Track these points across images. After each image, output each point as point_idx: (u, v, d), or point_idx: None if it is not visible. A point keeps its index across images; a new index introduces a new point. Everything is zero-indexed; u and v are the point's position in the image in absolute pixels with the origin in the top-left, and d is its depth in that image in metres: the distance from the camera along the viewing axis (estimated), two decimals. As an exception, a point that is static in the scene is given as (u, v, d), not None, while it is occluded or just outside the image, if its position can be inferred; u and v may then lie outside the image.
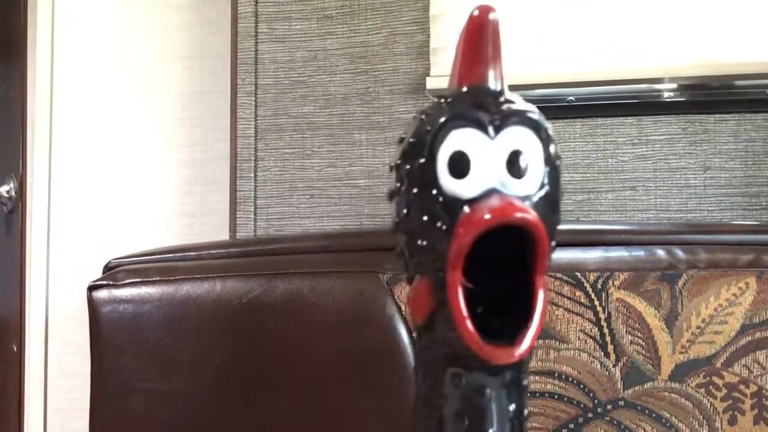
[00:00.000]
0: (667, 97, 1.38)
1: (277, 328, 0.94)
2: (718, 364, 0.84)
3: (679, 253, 0.87)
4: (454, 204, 0.44)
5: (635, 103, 1.38)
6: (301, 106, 1.49)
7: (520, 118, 0.45)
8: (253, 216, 1.50)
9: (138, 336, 0.97)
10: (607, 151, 1.37)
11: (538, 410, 0.86)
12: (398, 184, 0.47)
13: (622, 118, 1.37)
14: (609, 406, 0.85)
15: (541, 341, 0.86)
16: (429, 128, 0.45)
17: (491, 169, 0.44)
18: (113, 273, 1.02)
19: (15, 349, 1.81)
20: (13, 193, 1.85)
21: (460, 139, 0.44)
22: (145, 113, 1.74)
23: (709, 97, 1.37)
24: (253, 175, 1.50)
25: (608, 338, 0.85)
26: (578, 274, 0.86)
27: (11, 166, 1.86)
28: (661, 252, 0.87)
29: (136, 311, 0.98)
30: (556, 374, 0.85)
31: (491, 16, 0.44)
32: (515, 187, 0.44)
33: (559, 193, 0.47)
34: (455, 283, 0.43)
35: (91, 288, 1.00)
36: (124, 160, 1.75)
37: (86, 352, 1.00)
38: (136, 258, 1.06)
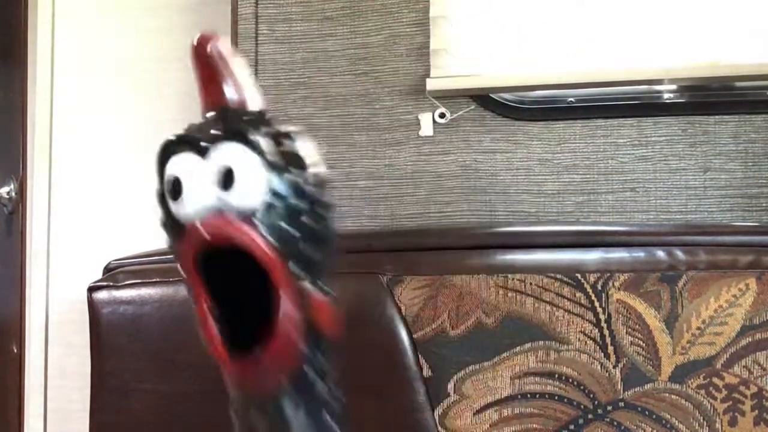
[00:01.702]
0: (667, 99, 1.38)
1: (277, 330, 0.94)
2: (719, 366, 0.84)
3: (679, 254, 0.87)
4: (177, 224, 0.46)
5: (635, 105, 1.38)
6: (301, 108, 1.49)
7: (230, 134, 0.45)
8: (253, 217, 1.50)
9: (138, 337, 0.97)
10: (607, 153, 1.37)
11: (538, 411, 0.86)
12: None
13: (622, 119, 1.37)
14: (609, 407, 0.85)
15: (541, 342, 0.86)
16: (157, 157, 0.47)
17: (204, 188, 0.44)
18: (113, 274, 1.02)
19: (15, 350, 1.81)
20: (13, 194, 1.85)
21: (176, 164, 0.46)
22: (145, 115, 1.74)
23: (709, 98, 1.37)
24: (253, 176, 1.50)
25: (608, 339, 0.85)
26: (578, 275, 0.86)
27: (11, 167, 1.86)
28: (661, 253, 0.87)
29: (136, 312, 0.98)
30: (556, 375, 0.85)
31: (209, 47, 0.46)
32: (235, 202, 0.44)
33: (304, 201, 0.46)
34: (199, 300, 0.44)
35: (91, 289, 1.00)
36: (124, 162, 1.75)
37: (86, 353, 1.00)
38: (136, 259, 1.06)
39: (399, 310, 0.90)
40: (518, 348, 0.86)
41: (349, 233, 1.40)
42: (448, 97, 1.42)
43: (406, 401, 0.89)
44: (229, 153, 0.45)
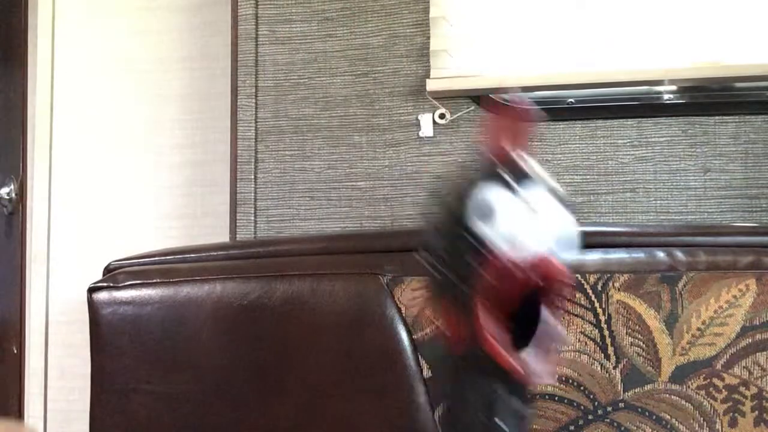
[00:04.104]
0: (667, 99, 1.38)
1: (277, 330, 0.94)
2: (719, 366, 0.84)
3: (679, 254, 0.87)
4: (483, 245, 0.51)
5: (635, 105, 1.38)
6: (301, 108, 1.49)
7: (535, 179, 0.53)
8: (253, 218, 1.50)
9: (138, 337, 0.97)
10: (607, 153, 1.37)
11: (538, 412, 0.86)
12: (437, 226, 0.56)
13: (622, 120, 1.37)
14: (609, 408, 0.85)
15: (541, 343, 0.86)
16: (466, 183, 0.54)
17: (514, 217, 0.51)
18: (113, 275, 1.02)
19: (15, 351, 1.81)
20: (13, 195, 1.85)
21: (491, 193, 0.52)
22: (146, 115, 1.74)
23: (709, 99, 1.37)
24: (253, 176, 1.50)
25: (608, 340, 0.85)
26: (578, 276, 0.86)
27: (12, 168, 1.86)
28: (661, 254, 0.87)
29: (137, 313, 0.98)
30: (556, 376, 0.85)
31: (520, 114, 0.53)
32: (547, 238, 0.51)
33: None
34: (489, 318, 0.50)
35: (92, 290, 1.00)
36: (125, 162, 1.75)
37: (86, 354, 1.00)
38: (137, 260, 1.06)
39: (399, 310, 0.90)
40: (518, 349, 0.86)
41: (350, 234, 1.40)
42: (448, 97, 1.42)
43: (406, 401, 0.89)
44: (536, 195, 0.53)
